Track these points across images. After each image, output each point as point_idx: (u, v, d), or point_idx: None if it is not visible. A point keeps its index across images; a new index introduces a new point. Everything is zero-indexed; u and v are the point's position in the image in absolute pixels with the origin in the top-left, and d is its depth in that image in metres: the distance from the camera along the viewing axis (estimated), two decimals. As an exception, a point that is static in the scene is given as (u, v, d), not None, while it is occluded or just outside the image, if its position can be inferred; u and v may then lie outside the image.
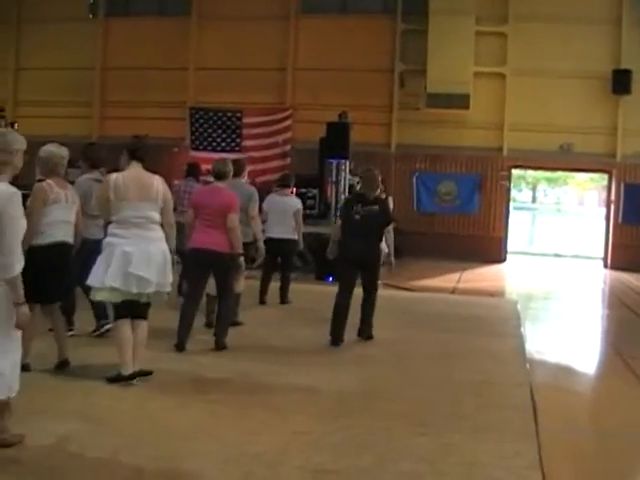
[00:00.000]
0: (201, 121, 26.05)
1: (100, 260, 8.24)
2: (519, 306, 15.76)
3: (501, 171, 25.75)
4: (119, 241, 8.20)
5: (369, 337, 11.54)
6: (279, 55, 27.14)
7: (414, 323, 13.27)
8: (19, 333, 6.05)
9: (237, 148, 25.45)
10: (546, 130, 24.78)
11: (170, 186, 8.94)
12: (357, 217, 11.22)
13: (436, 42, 24.59)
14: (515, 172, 27.72)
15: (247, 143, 25.65)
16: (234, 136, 25.84)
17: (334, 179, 20.42)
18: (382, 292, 14.75)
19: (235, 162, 11.89)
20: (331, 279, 17.64)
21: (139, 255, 8.15)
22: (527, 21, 25.04)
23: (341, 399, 8.21)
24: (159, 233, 8.42)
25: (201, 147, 25.75)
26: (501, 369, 10.00)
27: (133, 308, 8.32)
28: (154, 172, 8.56)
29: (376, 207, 11.34)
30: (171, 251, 8.53)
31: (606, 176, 26.35)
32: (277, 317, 13.30)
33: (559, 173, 33.61)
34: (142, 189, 8.33)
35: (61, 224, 8.51)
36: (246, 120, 25.97)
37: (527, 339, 12.28)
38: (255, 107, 26.23)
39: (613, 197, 25.43)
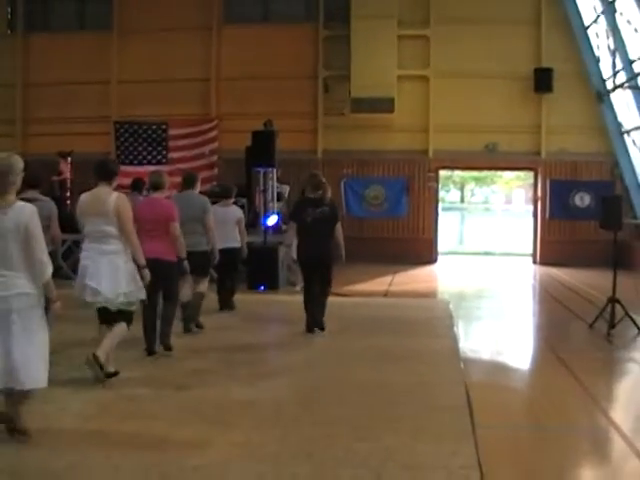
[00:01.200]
0: (126, 135, 25.87)
1: None
2: (451, 306, 15.87)
3: (428, 173, 25.92)
4: (82, 255, 9.03)
5: (323, 328, 12.63)
6: (202, 66, 27.02)
7: (348, 328, 13.26)
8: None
9: (164, 160, 25.33)
10: (471, 130, 25.03)
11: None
12: (309, 220, 12.35)
13: (359, 47, 24.70)
14: (442, 173, 27.99)
15: (174, 155, 25.54)
16: (160, 148, 25.71)
17: (262, 187, 20.38)
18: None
19: (188, 175, 13.09)
20: (263, 288, 17.62)
21: (93, 267, 8.82)
22: (449, 23, 25.25)
23: (278, 408, 8.18)
24: (113, 246, 8.87)
25: (127, 161, 25.53)
26: (436, 370, 10.07)
27: (107, 315, 9.02)
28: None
29: (327, 209, 12.53)
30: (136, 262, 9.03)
31: (532, 174, 26.68)
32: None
33: (486, 172, 33.94)
34: (97, 205, 8.88)
35: None
36: (172, 132, 25.86)
37: (461, 338, 12.40)
38: (180, 119, 26.14)
39: (539, 194, 25.76)
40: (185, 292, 12.21)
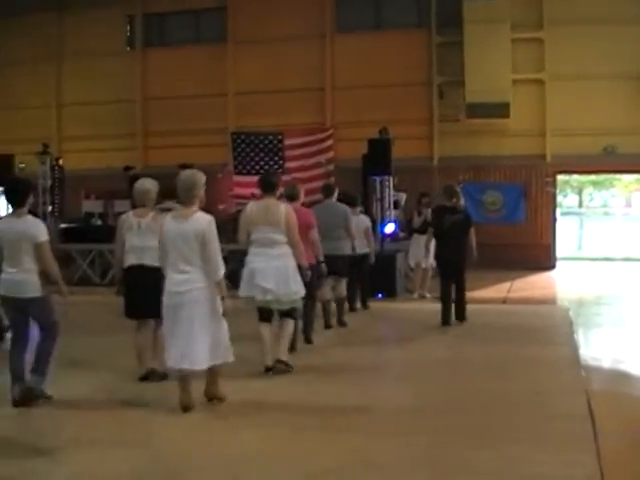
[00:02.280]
0: (243, 145, 26.21)
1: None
2: (571, 313, 15.64)
3: (546, 178, 25.59)
4: (249, 258, 10.06)
5: (463, 318, 14.15)
6: (317, 75, 27.24)
7: (466, 336, 13.20)
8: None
9: (280, 170, 25.53)
10: (589, 133, 24.55)
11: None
12: (446, 225, 14.00)
13: (472, 52, 24.53)
14: (560, 177, 27.50)
15: (290, 165, 25.72)
16: (276, 158, 25.96)
17: (378, 196, 20.40)
18: (431, 306, 14.88)
19: (327, 186, 14.77)
20: (381, 295, 17.63)
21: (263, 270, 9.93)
22: (563, 25, 24.83)
23: (396, 416, 8.21)
24: (281, 251, 9.98)
25: (244, 171, 25.88)
26: (556, 378, 9.95)
27: (269, 313, 10.20)
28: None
29: (461, 215, 14.19)
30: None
31: (652, 176, 26.10)
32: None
33: (605, 176, 33.26)
34: (267, 215, 9.96)
35: (136, 249, 9.57)
36: (287, 142, 26.09)
37: (581, 346, 12.18)
38: (296, 128, 26.37)
39: (661, 197, 25.19)
40: (325, 290, 13.38)
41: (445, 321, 13.96)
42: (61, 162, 25.52)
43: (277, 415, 8.28)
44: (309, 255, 10.95)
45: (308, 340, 12.01)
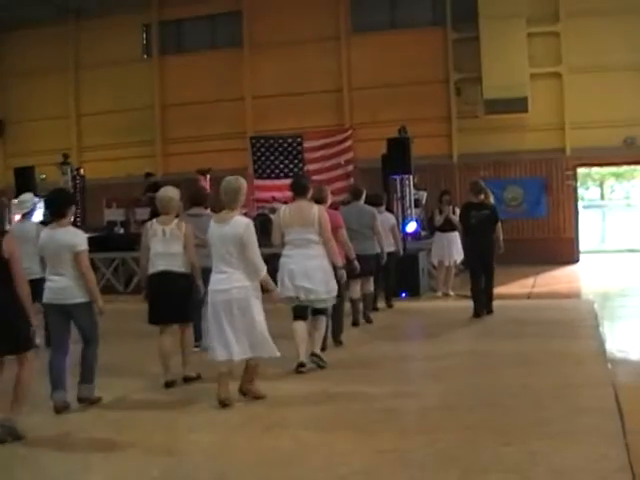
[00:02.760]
0: (262, 149, 26.27)
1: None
2: (596, 306, 15.57)
3: (566, 171, 25.51)
4: (284, 260, 10.37)
5: (491, 311, 14.64)
6: (334, 76, 27.29)
7: (491, 331, 13.23)
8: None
9: (300, 173, 25.58)
10: (608, 125, 24.47)
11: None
12: (473, 221, 14.60)
13: (489, 48, 24.50)
14: (581, 171, 27.34)
15: (310, 167, 25.73)
16: (296, 161, 25.99)
17: (399, 195, 20.41)
18: (456, 304, 14.90)
19: (356, 189, 15.08)
20: (404, 294, 17.63)
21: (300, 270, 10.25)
22: (578, 17, 24.77)
23: (423, 414, 8.23)
24: (317, 251, 10.30)
25: (265, 175, 25.95)
26: (582, 371, 9.92)
27: (304, 311, 10.44)
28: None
29: (487, 211, 14.70)
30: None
31: (673, 166, 25.92)
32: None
33: (626, 167, 33.07)
34: (301, 217, 10.30)
35: (161, 256, 9.78)
36: (307, 144, 26.13)
37: (607, 339, 12.12)
38: (315, 130, 26.40)
39: (682, 186, 25.03)
40: (355, 289, 13.93)
41: (477, 314, 14.41)
42: (82, 172, 25.64)
43: (307, 415, 8.35)
44: (340, 255, 11.10)
45: (338, 341, 12.09)
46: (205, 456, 7.05)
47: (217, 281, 8.61)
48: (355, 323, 13.97)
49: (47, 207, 9.15)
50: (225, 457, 7.02)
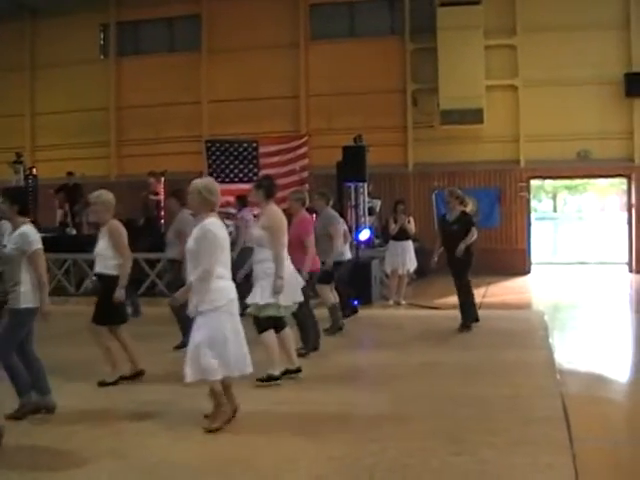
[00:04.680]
0: (218, 153, 26.18)
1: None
2: (546, 317, 15.71)
3: (520, 183, 25.71)
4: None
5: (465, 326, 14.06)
6: (291, 83, 27.29)
7: (441, 341, 13.27)
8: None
9: (255, 178, 25.44)
10: (562, 139, 24.74)
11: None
12: (447, 230, 14.26)
13: (446, 59, 24.66)
14: (534, 182, 27.61)
15: (265, 172, 25.69)
16: (251, 166, 25.94)
17: (353, 202, 20.46)
18: (407, 313, 14.94)
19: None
20: (356, 302, 17.63)
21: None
22: (535, 31, 25.05)
23: (373, 421, 8.22)
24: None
25: (219, 179, 25.79)
26: (531, 381, 9.99)
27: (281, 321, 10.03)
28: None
29: (458, 219, 14.13)
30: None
31: (625, 180, 26.21)
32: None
33: (579, 181, 33.41)
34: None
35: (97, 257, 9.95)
36: (262, 149, 26.10)
37: (556, 349, 12.24)
38: (270, 136, 26.41)
39: (634, 201, 25.32)
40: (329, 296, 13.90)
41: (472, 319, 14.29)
42: (35, 171, 25.42)
43: (256, 420, 8.29)
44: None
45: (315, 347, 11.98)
46: (150, 462, 7.00)
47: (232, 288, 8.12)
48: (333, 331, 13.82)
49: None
50: (171, 463, 6.97)
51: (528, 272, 25.54)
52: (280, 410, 8.75)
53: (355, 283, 16.98)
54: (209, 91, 27.80)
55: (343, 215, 20.29)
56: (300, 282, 10.18)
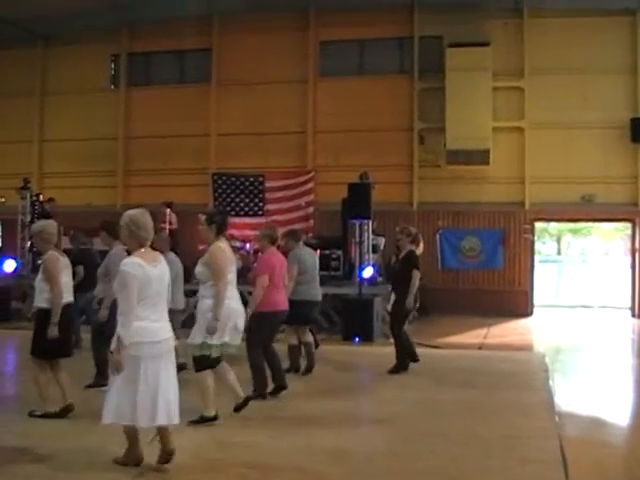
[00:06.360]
0: (224, 186, 26.26)
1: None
2: (547, 359, 15.66)
3: (524, 225, 25.72)
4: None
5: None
6: (299, 118, 27.38)
7: (442, 380, 13.22)
8: None
9: (260, 212, 25.65)
10: (567, 182, 24.79)
11: (198, 252, 9.34)
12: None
13: (454, 99, 24.77)
14: (538, 225, 27.65)
15: (270, 207, 25.82)
16: (257, 200, 26.01)
17: (357, 239, 20.47)
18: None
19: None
20: (357, 339, 17.64)
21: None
22: (543, 74, 25.14)
23: (370, 459, 8.20)
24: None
25: (225, 212, 25.91)
26: (530, 423, 9.96)
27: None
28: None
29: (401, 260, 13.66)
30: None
31: (630, 225, 26.24)
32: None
33: (583, 224, 33.49)
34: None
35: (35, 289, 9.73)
36: (268, 184, 26.18)
37: (556, 392, 12.23)
38: (277, 171, 26.47)
39: (638, 245, 25.33)
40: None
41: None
42: (41, 198, 25.48)
43: (250, 457, 8.22)
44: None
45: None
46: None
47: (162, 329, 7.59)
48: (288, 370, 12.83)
49: None
50: None
51: (530, 314, 25.47)
52: (274, 444, 8.66)
53: (357, 320, 17.00)
54: (217, 124, 27.88)
55: (346, 251, 20.38)
56: (239, 324, 9.64)
